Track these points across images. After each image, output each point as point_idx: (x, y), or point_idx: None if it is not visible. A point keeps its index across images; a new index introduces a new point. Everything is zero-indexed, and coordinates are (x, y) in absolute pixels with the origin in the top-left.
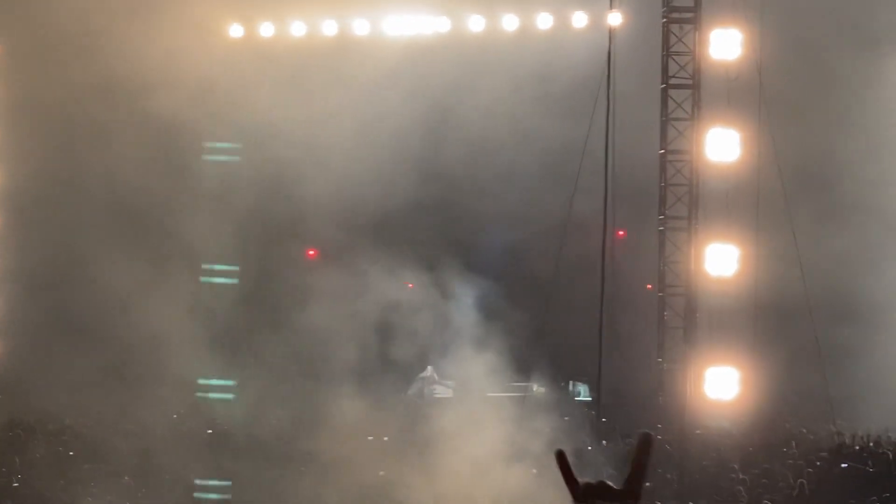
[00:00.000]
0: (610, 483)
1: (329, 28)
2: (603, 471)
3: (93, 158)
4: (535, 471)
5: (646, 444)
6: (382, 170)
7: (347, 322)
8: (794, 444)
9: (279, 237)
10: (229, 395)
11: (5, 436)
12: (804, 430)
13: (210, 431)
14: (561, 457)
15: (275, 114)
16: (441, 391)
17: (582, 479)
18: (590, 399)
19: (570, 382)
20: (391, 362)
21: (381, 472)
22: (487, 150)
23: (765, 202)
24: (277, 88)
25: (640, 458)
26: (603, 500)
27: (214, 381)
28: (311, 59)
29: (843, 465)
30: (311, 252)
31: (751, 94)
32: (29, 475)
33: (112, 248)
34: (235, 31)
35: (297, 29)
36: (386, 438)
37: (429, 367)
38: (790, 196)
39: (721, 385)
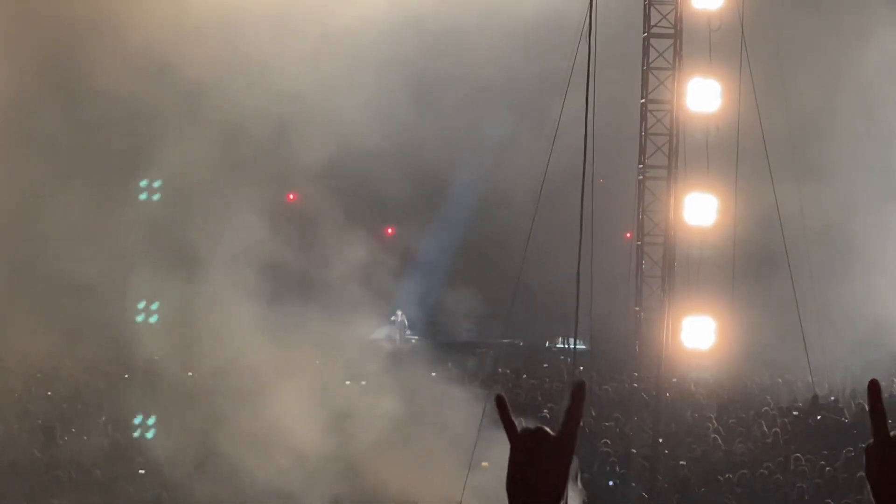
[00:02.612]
0: (547, 429)
1: None
2: None
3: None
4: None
5: (579, 392)
6: (364, 117)
7: (321, 267)
8: (769, 394)
9: (259, 179)
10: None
11: None
12: (780, 381)
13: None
14: (500, 401)
15: (257, 58)
16: (411, 335)
17: (521, 425)
18: (565, 346)
19: (547, 341)
20: (361, 306)
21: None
22: (466, 97)
23: (745, 152)
24: (257, 33)
25: (574, 405)
26: (540, 445)
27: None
28: (294, 4)
29: (818, 417)
30: (291, 196)
31: (733, 45)
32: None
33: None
34: None
35: None
36: (363, 383)
37: (398, 312)
38: (770, 146)
39: (698, 334)
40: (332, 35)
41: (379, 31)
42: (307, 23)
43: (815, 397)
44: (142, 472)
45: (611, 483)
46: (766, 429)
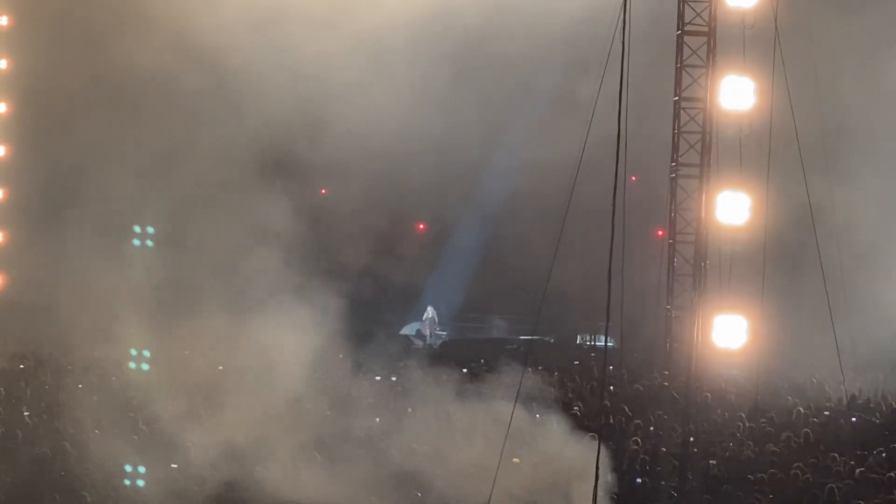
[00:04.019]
0: None
1: None
2: None
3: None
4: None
5: None
6: (396, 113)
7: (348, 263)
8: (801, 393)
9: (292, 173)
10: None
11: (15, 367)
12: (813, 380)
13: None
14: None
15: (289, 52)
16: (441, 331)
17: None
18: (597, 345)
19: (578, 335)
20: (389, 303)
21: (377, 419)
22: (498, 93)
23: (778, 151)
24: (290, 27)
25: None
26: None
27: None
28: (338, 3)
29: (853, 419)
30: (324, 191)
31: (767, 43)
32: (38, 407)
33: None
34: None
35: None
36: (394, 378)
37: (429, 308)
38: (804, 145)
39: (729, 333)
40: (363, 29)
41: (411, 26)
42: (339, 16)
43: (853, 398)
44: (174, 465)
45: (639, 480)
46: (797, 428)
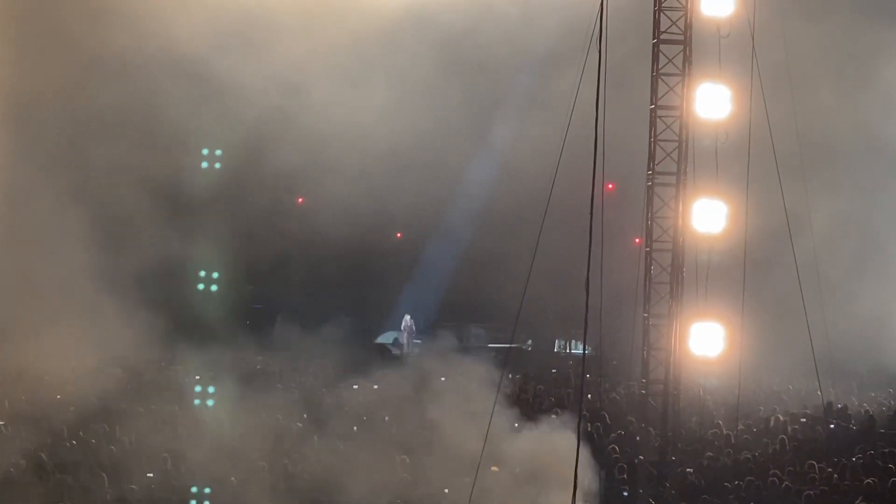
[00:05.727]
0: None
1: None
2: None
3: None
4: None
5: None
6: (371, 118)
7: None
8: (778, 400)
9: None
10: None
11: None
12: (790, 387)
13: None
14: None
15: (266, 59)
16: (418, 340)
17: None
18: (572, 352)
19: (556, 341)
20: (363, 311)
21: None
22: (476, 102)
23: (754, 159)
24: (268, 35)
25: None
26: None
27: None
28: (304, 8)
29: (831, 426)
30: (300, 199)
31: (742, 51)
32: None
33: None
34: None
35: None
36: (376, 386)
37: (407, 316)
38: (780, 153)
39: (706, 341)
40: (341, 37)
41: (388, 34)
42: (315, 22)
43: (830, 405)
44: (150, 475)
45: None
46: (774, 436)
